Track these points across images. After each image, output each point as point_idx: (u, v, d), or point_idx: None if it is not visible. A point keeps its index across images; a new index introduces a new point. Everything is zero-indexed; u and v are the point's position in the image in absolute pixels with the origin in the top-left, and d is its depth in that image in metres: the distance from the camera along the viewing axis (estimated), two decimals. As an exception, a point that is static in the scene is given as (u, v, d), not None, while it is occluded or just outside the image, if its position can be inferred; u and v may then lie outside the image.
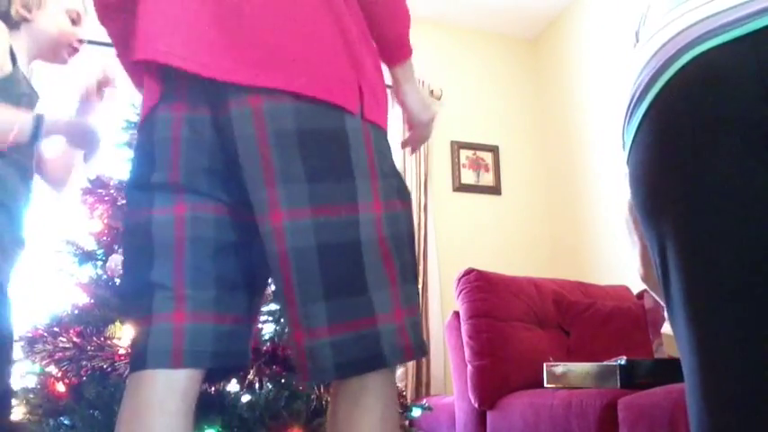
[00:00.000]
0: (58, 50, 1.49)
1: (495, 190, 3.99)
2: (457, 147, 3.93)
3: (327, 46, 0.87)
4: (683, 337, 0.76)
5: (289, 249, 0.84)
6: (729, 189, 0.71)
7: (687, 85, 0.75)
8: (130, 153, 2.29)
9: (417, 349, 0.89)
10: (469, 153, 3.98)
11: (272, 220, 0.84)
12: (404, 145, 1.21)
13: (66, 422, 1.78)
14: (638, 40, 1.02)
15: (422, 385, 3.39)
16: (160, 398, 0.84)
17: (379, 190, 0.89)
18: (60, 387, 1.82)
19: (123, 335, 1.81)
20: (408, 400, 2.10)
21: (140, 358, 0.86)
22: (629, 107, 0.85)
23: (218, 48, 0.85)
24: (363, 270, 0.85)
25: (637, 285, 2.91)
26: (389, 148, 0.95)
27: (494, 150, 4.03)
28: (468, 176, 3.93)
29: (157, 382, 0.85)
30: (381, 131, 0.93)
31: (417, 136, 1.17)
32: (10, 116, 1.27)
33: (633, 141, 0.82)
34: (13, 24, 1.40)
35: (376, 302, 0.85)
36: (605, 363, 2.04)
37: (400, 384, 3.21)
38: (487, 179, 3.99)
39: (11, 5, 1.41)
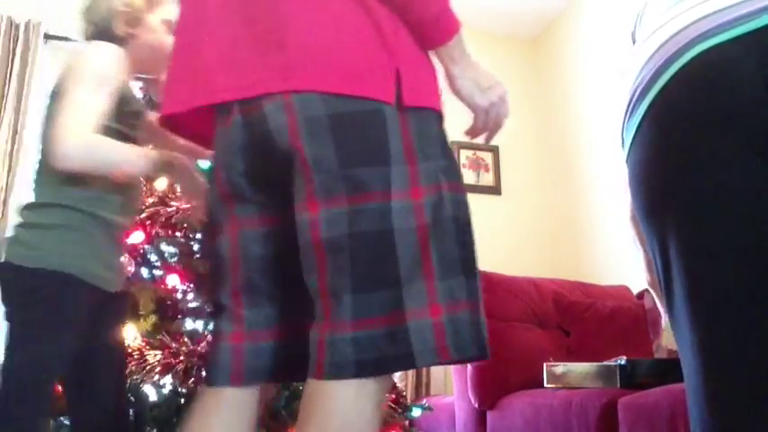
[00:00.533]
0: (159, 63, 1.47)
1: (495, 190, 3.99)
2: (457, 147, 3.93)
3: (356, 38, 0.85)
4: (684, 337, 0.75)
5: (324, 239, 0.81)
6: (733, 188, 0.70)
7: (689, 84, 0.74)
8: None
9: (457, 349, 0.80)
10: (469, 153, 3.98)
11: (310, 210, 0.82)
12: (469, 134, 1.09)
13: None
14: (635, 42, 1.01)
15: (422, 385, 3.39)
16: (219, 408, 0.90)
17: (419, 174, 0.84)
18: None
19: (123, 335, 1.81)
20: (408, 400, 2.10)
21: (207, 375, 0.93)
22: (628, 106, 0.84)
23: (253, 61, 0.86)
24: (397, 261, 0.80)
25: (637, 285, 2.90)
26: (439, 128, 0.90)
27: (494, 150, 4.03)
28: (468, 176, 3.93)
29: (219, 396, 0.91)
30: (426, 113, 0.88)
31: (478, 124, 1.05)
32: (125, 155, 1.28)
33: (633, 140, 0.82)
34: (119, 41, 1.39)
35: (407, 296, 0.79)
36: (605, 363, 2.04)
37: (400, 384, 3.21)
38: (487, 179, 4.00)
39: (113, 23, 1.40)
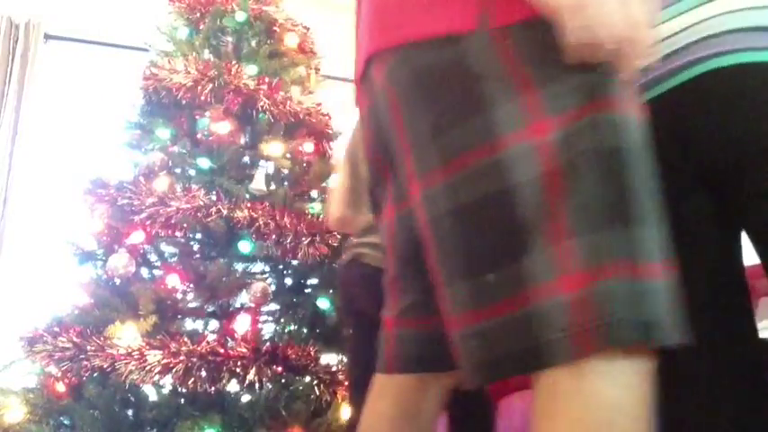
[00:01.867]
0: None
1: (495, 190, 3.99)
2: (457, 147, 3.94)
3: None
4: None
5: (428, 222, 0.69)
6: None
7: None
8: (131, 153, 2.29)
9: (606, 333, 0.58)
10: (469, 153, 3.98)
11: (413, 193, 0.72)
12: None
13: (66, 422, 1.79)
14: None
15: (422, 385, 3.39)
16: (374, 399, 0.88)
17: (542, 103, 0.64)
18: (60, 387, 1.83)
19: (123, 335, 1.82)
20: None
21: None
22: None
23: (367, 33, 0.81)
24: (517, 226, 0.63)
25: (637, 285, 2.90)
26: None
27: (494, 150, 4.04)
28: (468, 176, 3.94)
29: (378, 385, 0.90)
30: (538, 27, 0.66)
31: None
32: None
33: None
34: None
35: (529, 270, 0.61)
36: (605, 363, 2.04)
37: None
38: (487, 179, 3.99)
39: None
